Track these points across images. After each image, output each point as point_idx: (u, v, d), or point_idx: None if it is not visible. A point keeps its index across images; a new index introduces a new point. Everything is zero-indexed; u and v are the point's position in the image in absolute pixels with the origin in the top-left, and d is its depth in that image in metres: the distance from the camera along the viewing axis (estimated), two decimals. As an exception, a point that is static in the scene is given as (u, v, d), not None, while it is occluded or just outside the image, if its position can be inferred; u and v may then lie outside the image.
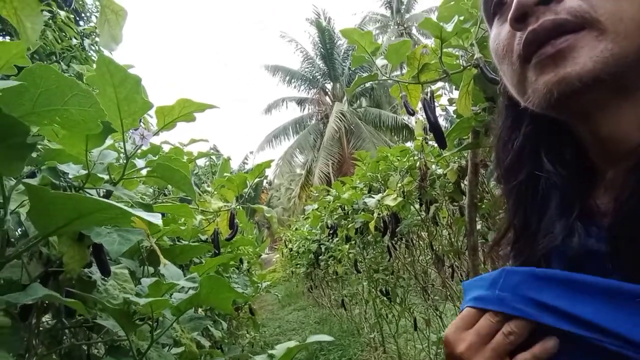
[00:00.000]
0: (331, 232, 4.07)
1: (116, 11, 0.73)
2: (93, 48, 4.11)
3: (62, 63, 3.40)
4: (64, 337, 1.12)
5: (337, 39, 23.54)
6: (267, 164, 1.55)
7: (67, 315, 1.07)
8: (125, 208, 0.49)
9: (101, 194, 0.95)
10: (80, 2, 5.60)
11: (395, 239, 3.13)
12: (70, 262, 0.83)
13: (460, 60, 1.31)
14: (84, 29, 4.21)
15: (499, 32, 0.53)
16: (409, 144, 2.70)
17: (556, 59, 0.45)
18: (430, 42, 1.28)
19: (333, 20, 24.42)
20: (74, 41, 3.68)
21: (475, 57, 1.13)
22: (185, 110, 0.90)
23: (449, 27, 1.09)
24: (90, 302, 0.93)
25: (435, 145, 2.32)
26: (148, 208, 0.89)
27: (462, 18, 1.11)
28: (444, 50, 1.19)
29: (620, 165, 0.47)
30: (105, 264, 0.93)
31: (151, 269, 1.33)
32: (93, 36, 4.17)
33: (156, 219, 0.53)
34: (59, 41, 3.39)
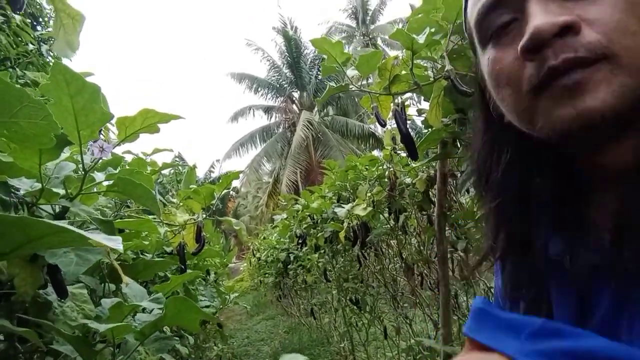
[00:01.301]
0: (300, 241, 4.04)
1: (72, 16, 0.68)
2: (51, 54, 3.93)
3: (17, 69, 3.23)
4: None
5: (303, 48, 23.64)
6: (235, 175, 1.50)
7: (20, 340, 1.00)
8: (80, 232, 0.45)
9: (57, 210, 0.89)
10: (38, 7, 5.37)
11: (365, 247, 3.13)
12: (23, 285, 0.77)
13: (430, 72, 1.31)
14: (41, 34, 4.02)
15: (500, 57, 0.50)
16: (376, 152, 2.70)
17: (574, 93, 0.43)
18: (398, 53, 1.28)
19: (300, 29, 24.50)
20: (31, 47, 3.51)
21: (446, 69, 1.13)
22: (148, 122, 0.86)
23: (421, 39, 1.09)
24: (46, 326, 0.87)
25: (404, 154, 2.34)
26: (108, 225, 0.84)
27: (432, 30, 1.11)
28: (417, 56, 1.19)
29: (615, 183, 0.48)
30: (62, 285, 0.87)
31: (112, 286, 1.26)
32: (51, 41, 3.97)
33: (116, 243, 0.49)
34: (14, 46, 3.22)
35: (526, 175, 0.57)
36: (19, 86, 0.49)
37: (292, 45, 23.31)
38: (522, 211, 0.57)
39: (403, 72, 1.27)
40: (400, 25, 1.17)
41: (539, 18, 0.44)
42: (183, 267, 1.54)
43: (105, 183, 0.98)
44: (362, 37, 26.26)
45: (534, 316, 0.50)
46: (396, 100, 1.28)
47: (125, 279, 1.00)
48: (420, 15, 1.18)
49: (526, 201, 0.57)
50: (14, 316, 0.92)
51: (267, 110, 25.02)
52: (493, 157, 0.59)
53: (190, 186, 1.51)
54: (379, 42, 25.58)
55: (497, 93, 0.53)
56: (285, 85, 24.59)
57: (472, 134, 0.67)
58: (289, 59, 23.87)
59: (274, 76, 24.64)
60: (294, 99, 25.12)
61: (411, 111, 1.85)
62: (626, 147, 0.46)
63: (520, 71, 0.47)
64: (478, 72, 0.60)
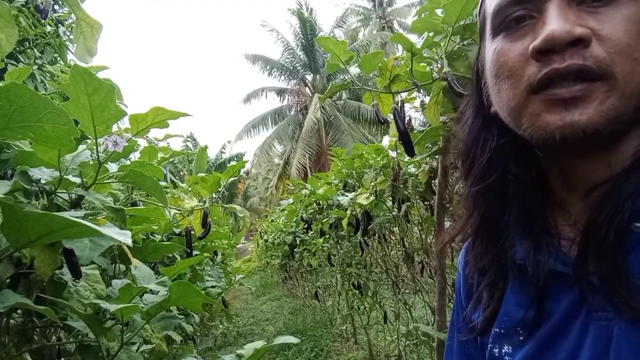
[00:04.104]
0: (306, 225, 4.11)
1: (91, 25, 0.74)
2: (68, 34, 4.00)
3: (35, 50, 3.31)
4: (34, 336, 1.12)
5: (318, 31, 23.44)
6: (241, 165, 1.57)
7: (37, 315, 1.08)
8: (95, 227, 0.51)
9: (73, 198, 0.97)
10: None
11: (368, 234, 3.19)
12: (42, 266, 0.85)
13: (433, 67, 1.35)
14: (58, 16, 4.09)
15: (507, 49, 0.52)
16: (387, 138, 2.73)
17: (567, 104, 0.46)
18: (413, 38, 1.31)
19: (315, 11, 24.29)
20: (49, 28, 3.57)
21: (444, 70, 1.17)
22: (159, 118, 0.92)
23: (418, 44, 1.13)
24: (61, 304, 0.95)
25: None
26: (119, 213, 0.91)
27: (431, 34, 1.15)
28: (417, 57, 1.23)
29: (585, 197, 0.51)
30: (76, 266, 0.95)
31: (122, 267, 1.34)
32: (69, 21, 4.06)
33: (125, 237, 0.55)
34: (33, 27, 3.29)
35: (506, 169, 0.59)
36: (45, 96, 0.56)
37: (307, 27, 23.13)
38: (498, 203, 0.60)
39: (404, 71, 1.31)
40: (417, 8, 1.20)
41: (556, 23, 0.46)
42: (189, 250, 1.62)
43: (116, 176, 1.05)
44: (378, 20, 25.97)
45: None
46: (396, 99, 1.33)
47: (134, 261, 1.08)
48: (424, 15, 1.22)
49: (504, 195, 0.59)
50: (32, 294, 1.00)
51: (280, 92, 24.99)
52: (479, 144, 0.62)
53: (199, 173, 1.58)
54: (395, 25, 25.30)
55: (494, 83, 0.54)
56: (298, 68, 24.48)
57: (462, 117, 0.68)
58: (303, 41, 23.71)
59: (287, 58, 24.52)
60: (307, 81, 25.03)
61: (416, 103, 1.90)
62: (600, 165, 0.50)
63: (523, 67, 0.49)
64: (480, 58, 0.62)
